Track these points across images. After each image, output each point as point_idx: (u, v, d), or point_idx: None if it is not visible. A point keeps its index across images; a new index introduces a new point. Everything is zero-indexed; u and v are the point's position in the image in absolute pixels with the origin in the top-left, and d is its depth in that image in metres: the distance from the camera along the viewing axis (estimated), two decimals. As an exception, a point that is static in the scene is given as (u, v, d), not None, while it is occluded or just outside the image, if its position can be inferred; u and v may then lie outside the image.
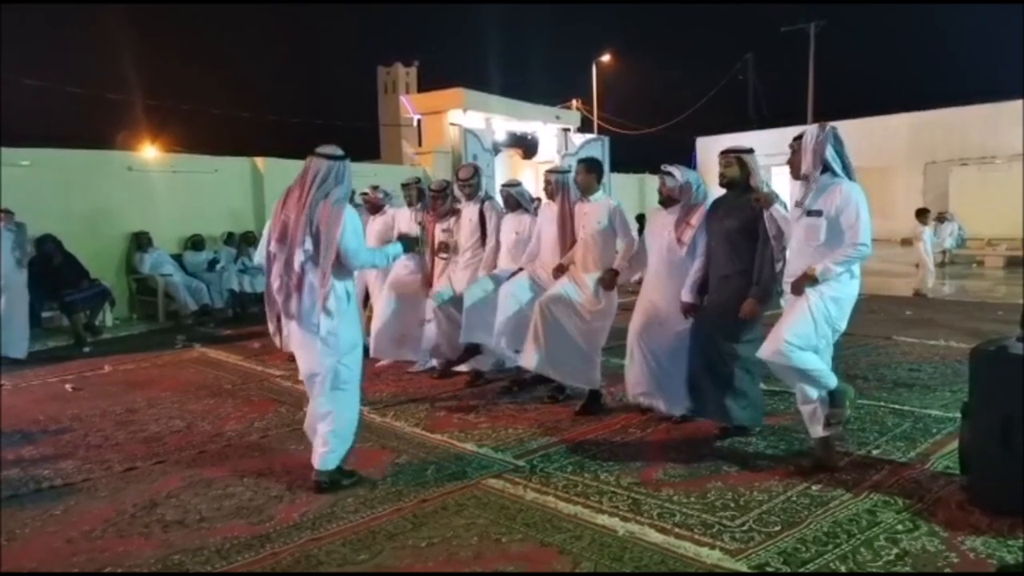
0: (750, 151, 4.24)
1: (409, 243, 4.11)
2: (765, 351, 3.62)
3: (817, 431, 3.67)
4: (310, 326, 3.55)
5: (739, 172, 4.17)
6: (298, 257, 3.48)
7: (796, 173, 3.67)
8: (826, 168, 3.53)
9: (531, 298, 5.10)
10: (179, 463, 4.12)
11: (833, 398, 3.63)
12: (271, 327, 3.75)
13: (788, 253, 3.79)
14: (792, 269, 3.69)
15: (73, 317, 8.28)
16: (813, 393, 3.62)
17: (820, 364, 3.59)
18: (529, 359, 4.83)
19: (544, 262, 5.17)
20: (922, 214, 11.46)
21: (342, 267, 3.58)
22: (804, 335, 3.52)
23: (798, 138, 3.67)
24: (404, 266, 6.13)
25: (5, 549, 3.11)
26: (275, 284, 3.58)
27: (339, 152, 3.59)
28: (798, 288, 3.55)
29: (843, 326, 3.65)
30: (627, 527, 3.11)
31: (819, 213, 3.52)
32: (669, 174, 4.52)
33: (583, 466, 3.88)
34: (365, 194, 6.97)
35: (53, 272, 8.28)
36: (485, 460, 4.01)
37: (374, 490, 3.61)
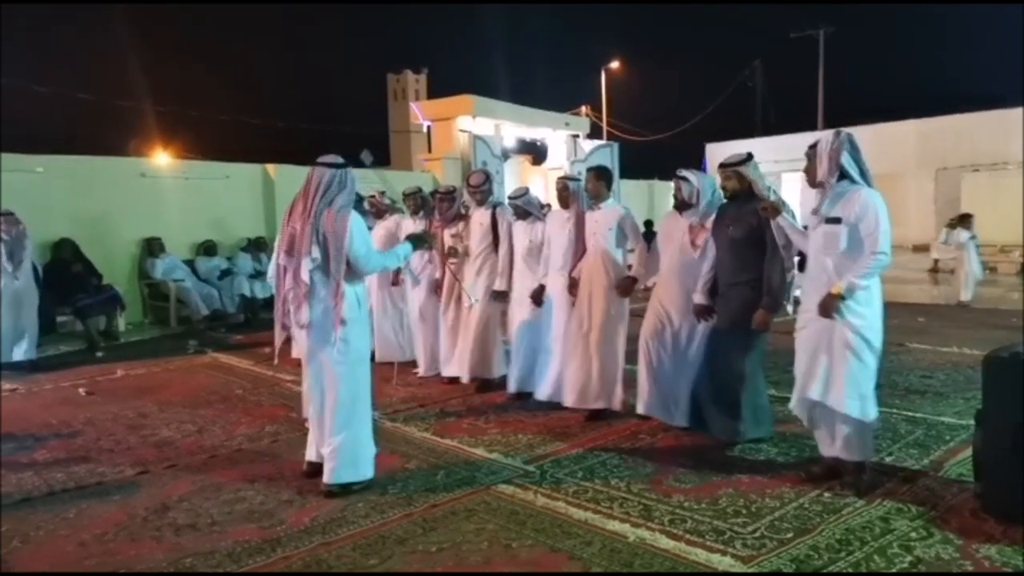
0: (747, 160, 4.13)
1: (417, 241, 4.12)
2: (819, 391, 3.48)
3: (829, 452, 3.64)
4: (322, 335, 3.57)
5: (738, 184, 4.13)
6: (305, 266, 3.51)
7: (812, 181, 3.59)
8: (843, 175, 3.45)
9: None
10: (190, 467, 4.13)
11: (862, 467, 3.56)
12: (277, 341, 3.76)
13: (809, 262, 3.68)
14: (812, 275, 3.58)
15: (86, 322, 8.34)
16: (847, 450, 3.53)
17: (873, 419, 3.48)
18: (543, 391, 5.13)
19: (556, 269, 5.19)
20: (965, 219, 11.19)
21: (352, 273, 3.60)
22: (861, 380, 3.42)
23: (813, 146, 3.59)
24: (413, 287, 6.33)
25: (18, 551, 3.13)
26: (289, 296, 3.60)
27: (340, 160, 3.64)
28: (826, 310, 3.40)
29: (880, 342, 3.53)
30: (638, 533, 3.10)
31: (838, 221, 3.42)
32: (685, 179, 4.53)
33: (593, 472, 3.87)
34: (372, 197, 7.04)
35: (70, 277, 8.33)
36: (495, 466, 4.01)
37: (384, 495, 3.61)
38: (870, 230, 3.36)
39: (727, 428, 4.20)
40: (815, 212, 3.56)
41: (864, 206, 3.37)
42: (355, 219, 3.58)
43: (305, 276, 3.52)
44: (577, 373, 4.87)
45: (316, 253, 3.51)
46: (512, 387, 5.42)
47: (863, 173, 3.48)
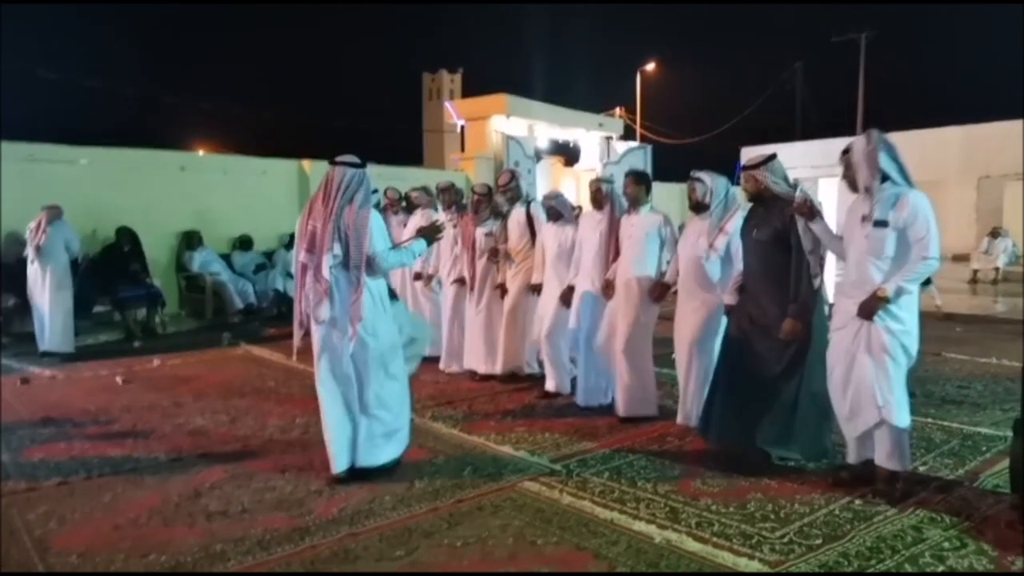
0: (765, 162, 3.99)
1: (429, 237, 4.13)
2: (865, 411, 3.41)
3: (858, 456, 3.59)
4: (344, 330, 3.64)
5: (754, 187, 4.00)
6: (327, 262, 3.59)
7: (854, 187, 3.50)
8: (884, 177, 3.36)
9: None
10: (223, 456, 4.21)
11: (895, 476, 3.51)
12: (296, 340, 3.82)
13: (848, 266, 3.57)
14: (851, 279, 3.49)
15: (124, 313, 8.53)
16: (884, 459, 3.47)
17: (905, 425, 3.43)
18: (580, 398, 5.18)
19: (586, 271, 5.18)
20: None
21: (371, 270, 3.68)
22: (895, 384, 3.37)
23: (846, 151, 3.51)
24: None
25: (55, 532, 3.22)
26: (310, 294, 3.67)
27: (358, 160, 3.75)
28: (869, 312, 3.34)
29: (916, 349, 3.47)
30: (664, 535, 3.09)
31: (884, 224, 3.33)
32: (699, 180, 4.49)
33: (620, 472, 3.86)
34: (412, 192, 7.26)
35: (122, 270, 8.50)
36: (522, 463, 4.02)
37: (411, 489, 3.64)
38: (920, 235, 3.28)
39: (778, 440, 3.99)
40: (867, 219, 3.41)
41: (914, 211, 3.29)
42: (375, 216, 3.68)
43: (326, 273, 3.59)
44: (617, 382, 4.91)
45: (338, 250, 3.60)
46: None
47: (903, 173, 3.39)
